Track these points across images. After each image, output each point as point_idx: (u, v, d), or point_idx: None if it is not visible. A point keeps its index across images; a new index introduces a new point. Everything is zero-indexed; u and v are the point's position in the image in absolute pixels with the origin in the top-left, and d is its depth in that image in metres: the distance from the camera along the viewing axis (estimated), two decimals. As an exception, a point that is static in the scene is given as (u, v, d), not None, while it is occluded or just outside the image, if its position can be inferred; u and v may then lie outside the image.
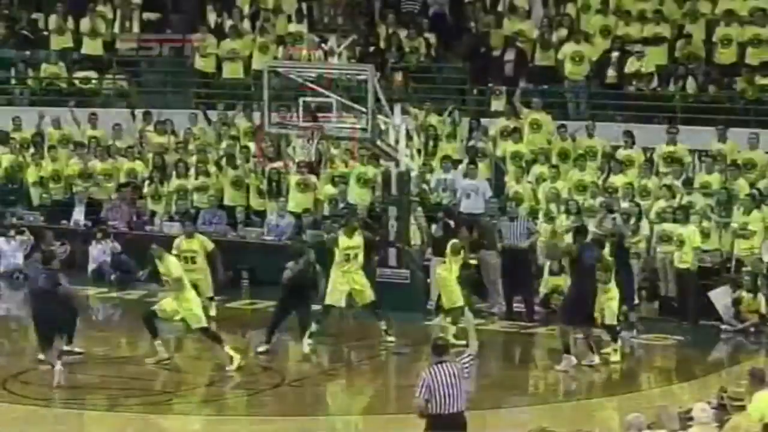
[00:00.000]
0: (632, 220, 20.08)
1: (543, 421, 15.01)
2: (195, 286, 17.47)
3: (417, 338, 17.99)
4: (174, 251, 18.02)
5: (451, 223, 20.05)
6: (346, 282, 17.83)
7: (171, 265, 17.04)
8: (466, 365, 12.04)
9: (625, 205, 20.40)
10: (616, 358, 17.22)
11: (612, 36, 23.54)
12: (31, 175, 23.74)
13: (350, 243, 18.03)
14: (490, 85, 23.66)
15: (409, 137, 21.24)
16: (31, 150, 24.04)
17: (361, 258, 18.09)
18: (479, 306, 20.39)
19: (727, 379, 16.07)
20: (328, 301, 17.89)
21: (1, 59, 26.46)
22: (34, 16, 26.84)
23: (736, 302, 19.37)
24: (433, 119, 23.01)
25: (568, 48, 23.33)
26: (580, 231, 17.65)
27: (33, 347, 18.57)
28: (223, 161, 23.05)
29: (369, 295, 18.02)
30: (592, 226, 19.46)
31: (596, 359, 17.07)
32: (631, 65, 23.00)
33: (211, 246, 18.85)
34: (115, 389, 16.36)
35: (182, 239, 18.82)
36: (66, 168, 23.76)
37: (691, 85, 22.87)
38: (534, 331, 19.37)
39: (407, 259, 19.98)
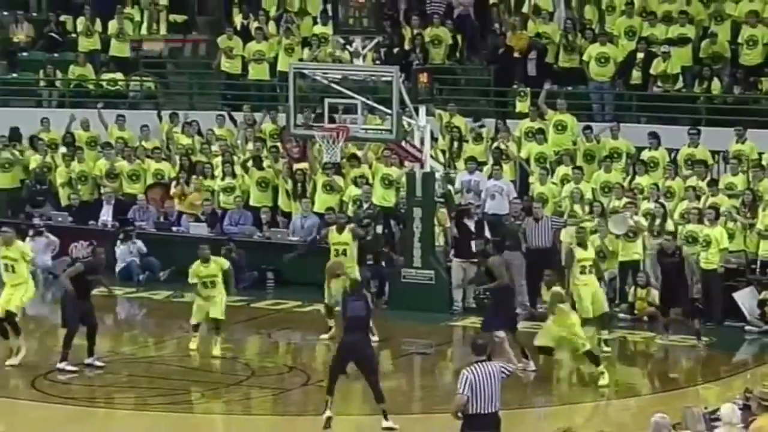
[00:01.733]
0: (657, 221, 20.06)
1: (568, 422, 15.04)
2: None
3: (440, 339, 17.99)
4: (194, 279, 17.49)
5: (470, 224, 20.04)
6: None
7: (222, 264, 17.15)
8: (507, 370, 11.97)
9: (650, 206, 20.36)
10: (603, 381, 16.48)
11: (637, 37, 23.48)
12: (60, 175, 23.84)
13: (340, 239, 18.42)
14: (514, 86, 23.62)
15: (433, 138, 21.25)
16: (61, 150, 24.11)
17: (352, 253, 18.28)
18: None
19: (751, 379, 16.02)
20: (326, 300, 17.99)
21: (29, 61, 26.57)
22: (62, 18, 26.94)
23: (761, 303, 19.30)
24: (458, 120, 23.02)
25: (593, 49, 23.30)
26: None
27: (62, 348, 18.70)
28: (250, 162, 23.10)
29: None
30: (614, 229, 19.52)
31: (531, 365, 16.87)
32: (656, 66, 22.94)
33: (227, 265, 17.87)
34: (142, 388, 16.42)
35: (199, 265, 17.53)
36: (93, 168, 23.86)
37: (716, 86, 22.79)
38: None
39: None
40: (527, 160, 22.36)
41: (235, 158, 23.21)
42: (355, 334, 14.54)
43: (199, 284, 17.40)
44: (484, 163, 22.13)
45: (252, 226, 22.53)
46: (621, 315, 19.93)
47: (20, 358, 16.95)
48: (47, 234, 22.58)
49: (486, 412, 11.54)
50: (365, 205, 21.79)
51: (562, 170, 21.76)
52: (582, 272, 17.70)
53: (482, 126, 22.94)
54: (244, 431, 15.29)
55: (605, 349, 17.72)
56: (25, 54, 26.59)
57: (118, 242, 22.31)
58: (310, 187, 22.43)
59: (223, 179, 23.01)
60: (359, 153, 22.49)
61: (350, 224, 18.69)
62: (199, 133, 24.25)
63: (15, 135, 24.39)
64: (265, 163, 22.97)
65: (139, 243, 22.27)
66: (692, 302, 18.16)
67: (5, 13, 27.01)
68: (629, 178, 21.34)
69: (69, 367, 16.87)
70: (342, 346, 14.66)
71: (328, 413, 14.43)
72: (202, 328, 17.72)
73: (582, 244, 18.09)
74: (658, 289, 19.38)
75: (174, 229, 22.84)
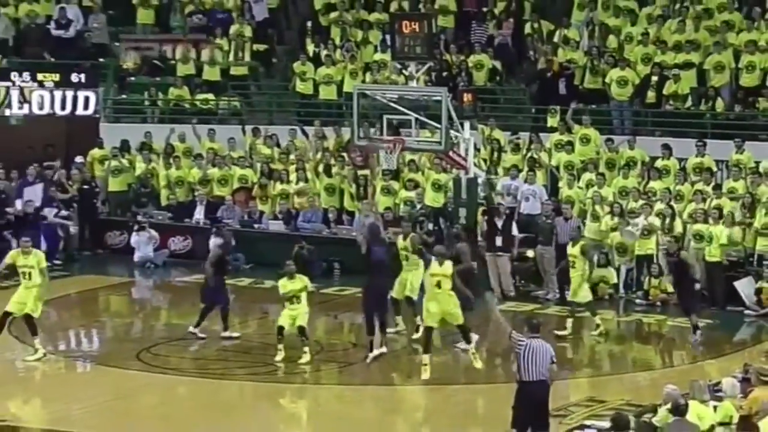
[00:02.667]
0: (667, 220, 19.88)
1: (590, 392, 14.94)
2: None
3: (479, 321, 17.87)
4: (282, 290, 16.55)
5: (498, 222, 19.88)
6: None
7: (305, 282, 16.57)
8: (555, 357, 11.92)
9: (662, 206, 20.18)
10: (476, 364, 15.61)
11: (651, 63, 23.26)
12: (162, 179, 23.99)
13: (402, 245, 17.20)
14: (549, 107, 23.44)
15: (476, 149, 21.17)
16: (162, 159, 24.26)
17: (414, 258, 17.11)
18: (537, 293, 20.30)
19: (749, 356, 15.82)
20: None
21: (136, 84, 26.75)
22: (163, 48, 27.12)
23: (758, 291, 19.10)
24: (497, 134, 22.92)
25: (614, 73, 23.14)
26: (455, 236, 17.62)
27: (162, 325, 18.88)
28: (320, 169, 23.12)
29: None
30: (625, 238, 19.41)
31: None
32: (668, 87, 22.70)
33: (308, 281, 16.73)
34: (229, 361, 16.47)
35: (286, 280, 16.51)
36: (188, 175, 23.99)
37: (719, 104, 22.56)
38: (583, 315, 19.14)
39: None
40: (557, 168, 22.24)
41: (307, 165, 23.23)
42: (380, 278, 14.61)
43: (286, 301, 16.52)
44: (520, 170, 22.02)
45: (321, 224, 22.55)
46: (637, 301, 19.83)
47: (37, 357, 16.15)
48: (149, 229, 22.74)
49: (535, 379, 11.51)
50: (418, 206, 21.74)
51: (586, 176, 21.61)
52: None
53: (518, 138, 22.82)
54: (314, 398, 15.29)
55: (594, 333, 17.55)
56: (132, 78, 26.77)
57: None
58: (371, 190, 22.42)
59: (297, 183, 23.04)
60: (415, 159, 22.48)
61: (412, 234, 18.16)
62: (278, 144, 24.30)
63: (124, 146, 24.58)
64: (333, 170, 22.99)
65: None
66: (691, 297, 17.63)
67: (117, 44, 27.20)
68: (644, 183, 21.17)
69: (200, 334, 17.03)
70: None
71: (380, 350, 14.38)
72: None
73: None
74: (669, 279, 19.23)
75: (255, 226, 22.91)
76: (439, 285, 15.41)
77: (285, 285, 16.56)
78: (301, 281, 16.56)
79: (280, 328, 16.36)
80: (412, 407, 14.80)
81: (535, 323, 12.00)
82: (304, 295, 16.48)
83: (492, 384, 15.43)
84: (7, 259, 16.49)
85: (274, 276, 17.48)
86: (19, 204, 22.29)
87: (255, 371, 15.92)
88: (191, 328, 17.28)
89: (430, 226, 20.91)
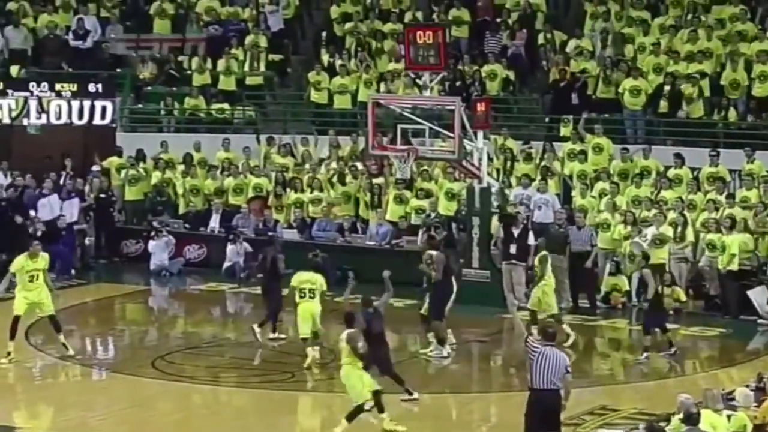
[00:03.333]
0: (679, 229, 19.77)
1: (604, 401, 14.83)
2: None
3: (494, 329, 17.80)
4: (294, 283, 16.77)
5: (515, 231, 19.78)
6: None
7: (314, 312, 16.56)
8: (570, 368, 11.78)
9: (673, 215, 20.07)
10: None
11: (663, 73, 23.15)
12: (179, 187, 23.96)
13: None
14: (562, 117, 23.33)
15: (489, 158, 21.09)
16: (180, 167, 24.19)
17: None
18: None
19: (763, 366, 15.65)
20: None
21: (152, 94, 26.75)
22: (179, 58, 27.13)
23: (772, 300, 18.95)
24: (510, 143, 22.83)
25: (627, 82, 23.03)
26: (447, 240, 17.55)
27: (177, 333, 18.85)
28: (334, 178, 23.07)
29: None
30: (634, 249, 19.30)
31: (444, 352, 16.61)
32: (686, 89, 22.38)
33: (317, 309, 16.64)
34: (243, 369, 16.42)
35: (300, 274, 16.70)
36: (203, 185, 23.95)
37: (732, 114, 22.43)
38: (596, 323, 19.09)
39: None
40: (570, 177, 22.13)
41: (319, 175, 23.18)
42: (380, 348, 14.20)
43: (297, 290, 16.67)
44: (533, 180, 21.93)
45: (336, 232, 22.49)
46: (650, 309, 19.65)
47: (70, 351, 16.38)
48: (166, 234, 22.68)
49: (546, 387, 11.40)
50: (432, 214, 21.68)
51: (600, 185, 21.51)
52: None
53: (531, 148, 22.72)
54: (328, 406, 15.21)
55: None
56: (149, 88, 26.78)
57: (228, 243, 22.34)
58: (384, 199, 22.37)
59: (311, 192, 22.99)
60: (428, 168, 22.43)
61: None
62: (292, 153, 24.25)
63: (140, 155, 24.57)
64: (347, 179, 22.94)
65: (246, 244, 22.25)
66: (647, 316, 17.14)
67: (134, 54, 27.23)
68: (656, 192, 21.06)
69: (281, 335, 17.26)
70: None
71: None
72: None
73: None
74: (681, 288, 19.12)
75: (270, 234, 22.83)
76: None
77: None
78: (317, 280, 16.65)
79: (305, 340, 16.42)
80: (424, 415, 14.71)
81: (550, 331, 11.91)
82: (318, 293, 16.52)
83: (506, 392, 15.34)
84: (14, 268, 16.43)
85: (286, 284, 17.41)
86: (41, 214, 22.07)
87: (270, 379, 15.86)
88: (272, 334, 17.22)
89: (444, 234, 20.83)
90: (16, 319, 16.27)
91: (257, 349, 17.14)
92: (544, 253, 17.75)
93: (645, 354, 16.65)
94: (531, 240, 19.76)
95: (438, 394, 15.34)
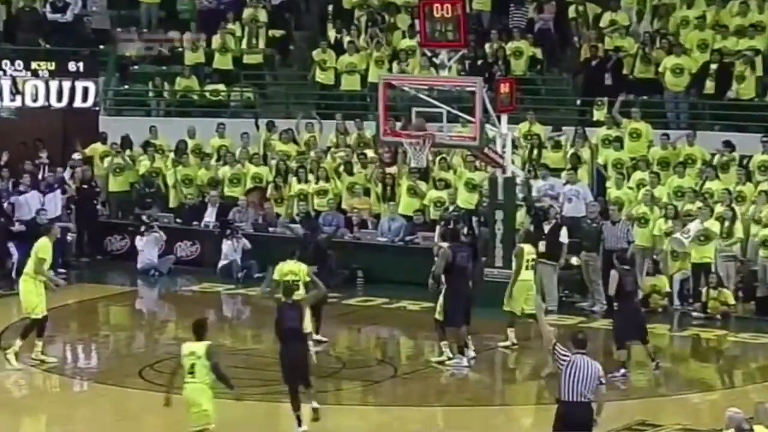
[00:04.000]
0: (726, 224, 19.69)
1: (642, 415, 14.76)
2: None
3: (521, 335, 17.73)
4: (276, 276, 16.96)
5: (546, 226, 19.72)
6: None
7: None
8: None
9: (720, 209, 19.98)
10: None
11: (709, 49, 23.04)
12: (169, 178, 23.94)
13: None
14: (596, 99, 23.23)
15: (514, 146, 21.03)
16: (171, 156, 24.17)
17: None
18: (581, 305, 20.14)
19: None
20: None
21: (139, 74, 26.77)
22: (170, 34, 27.11)
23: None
24: (537, 128, 22.77)
25: (669, 61, 22.92)
26: (453, 233, 17.39)
27: (167, 339, 18.82)
28: (341, 168, 23.04)
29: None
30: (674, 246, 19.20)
31: (465, 360, 16.58)
32: (738, 66, 22.25)
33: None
34: (241, 379, 16.35)
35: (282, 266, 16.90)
36: (197, 175, 23.93)
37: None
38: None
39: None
40: (604, 166, 22.06)
41: (325, 164, 23.14)
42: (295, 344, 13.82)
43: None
44: (562, 169, 21.85)
45: (344, 228, 22.45)
46: (694, 314, 19.59)
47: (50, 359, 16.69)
48: (157, 229, 22.66)
49: (576, 400, 11.34)
50: (450, 208, 21.64)
51: (637, 175, 21.43)
52: (526, 268, 17.38)
53: (561, 134, 22.65)
54: (335, 420, 15.16)
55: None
56: (135, 67, 26.79)
57: (224, 239, 22.31)
58: (398, 191, 22.34)
59: (316, 183, 22.96)
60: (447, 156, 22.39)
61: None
62: (294, 140, 24.23)
63: (126, 142, 24.58)
64: (355, 169, 22.91)
65: (244, 240, 22.23)
66: (617, 327, 16.67)
67: (119, 29, 27.24)
68: (701, 183, 20.97)
69: (322, 338, 17.25)
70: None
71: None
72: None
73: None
74: (729, 290, 19.03)
75: (271, 229, 22.81)
76: None
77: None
78: (301, 268, 16.56)
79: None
80: (444, 429, 14.66)
81: (581, 338, 11.84)
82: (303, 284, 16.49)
83: (531, 406, 15.28)
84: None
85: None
86: (19, 214, 22.01)
87: (270, 390, 15.82)
88: (315, 336, 17.12)
89: (465, 230, 20.79)
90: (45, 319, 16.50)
91: (257, 357, 17.10)
92: (520, 246, 17.68)
93: (622, 370, 16.05)
94: (563, 237, 19.66)
95: (455, 407, 15.26)
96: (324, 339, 17.53)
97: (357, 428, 14.98)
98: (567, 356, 11.47)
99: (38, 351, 16.53)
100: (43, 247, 16.70)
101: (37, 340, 16.56)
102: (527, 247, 17.63)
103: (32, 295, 16.63)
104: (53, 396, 15.93)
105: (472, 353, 16.67)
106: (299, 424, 13.88)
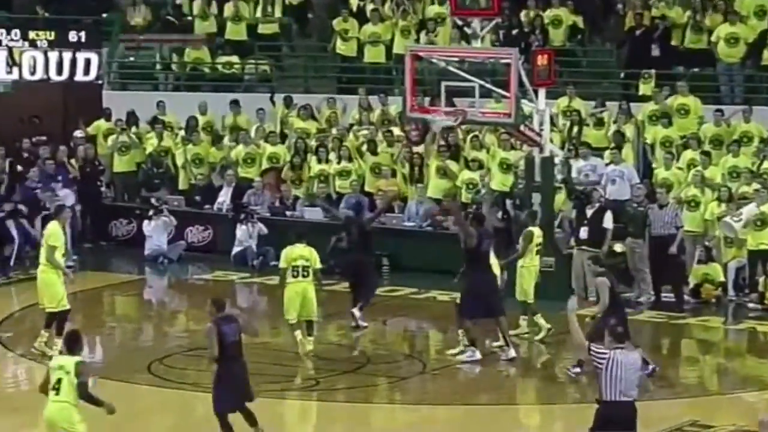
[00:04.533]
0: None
1: (694, 415, 14.75)
2: None
3: (558, 327, 17.75)
4: (283, 263, 17.18)
5: (588, 211, 19.68)
6: None
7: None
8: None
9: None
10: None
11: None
12: (179, 157, 24.01)
13: None
14: (642, 72, 23.16)
15: (552, 123, 21.00)
16: (181, 133, 24.24)
17: None
18: (627, 295, 20.10)
19: None
20: None
21: (146, 45, 26.83)
22: (178, 1, 27.18)
23: None
24: (578, 104, 22.74)
25: (722, 29, 22.85)
26: (477, 218, 17.38)
27: (177, 332, 18.92)
28: (364, 147, 23.06)
29: None
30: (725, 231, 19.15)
31: (511, 353, 16.65)
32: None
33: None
34: (256, 374, 16.41)
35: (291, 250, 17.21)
36: (208, 154, 23.99)
37: None
38: (684, 321, 18.98)
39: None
40: (651, 145, 22.02)
41: (347, 143, 23.15)
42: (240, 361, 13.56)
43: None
44: (605, 148, 21.83)
45: (368, 211, 22.44)
46: (751, 305, 19.55)
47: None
48: (166, 213, 22.72)
49: (619, 399, 11.36)
50: (483, 190, 21.64)
51: (687, 154, 21.37)
52: (536, 253, 17.62)
53: (604, 110, 22.61)
54: (359, 419, 15.23)
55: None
56: (142, 37, 26.85)
57: (239, 224, 22.36)
58: (426, 172, 22.35)
59: (338, 163, 22.98)
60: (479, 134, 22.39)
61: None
62: (314, 117, 24.26)
63: (132, 119, 24.64)
64: (380, 148, 22.93)
65: (260, 225, 22.27)
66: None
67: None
68: (758, 163, 20.90)
69: (362, 323, 17.87)
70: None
71: None
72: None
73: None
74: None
75: (288, 213, 22.85)
76: None
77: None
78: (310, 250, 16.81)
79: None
80: (476, 431, 14.70)
81: (618, 331, 11.82)
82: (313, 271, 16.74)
83: (567, 405, 15.30)
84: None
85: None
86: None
87: (287, 386, 15.90)
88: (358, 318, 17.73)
89: (499, 214, 20.82)
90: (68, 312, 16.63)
91: (273, 351, 17.15)
92: (529, 229, 17.67)
93: (577, 368, 15.96)
94: (607, 222, 19.60)
95: (485, 406, 15.30)
96: (365, 324, 17.92)
97: (383, 429, 15.03)
98: (605, 354, 11.46)
99: (42, 341, 16.61)
100: (53, 233, 16.61)
101: (44, 330, 16.61)
102: (537, 230, 17.66)
103: (55, 286, 16.57)
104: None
105: (478, 354, 16.69)
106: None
